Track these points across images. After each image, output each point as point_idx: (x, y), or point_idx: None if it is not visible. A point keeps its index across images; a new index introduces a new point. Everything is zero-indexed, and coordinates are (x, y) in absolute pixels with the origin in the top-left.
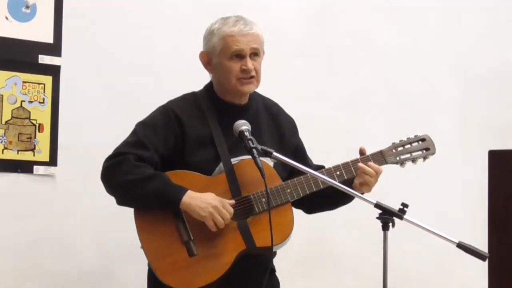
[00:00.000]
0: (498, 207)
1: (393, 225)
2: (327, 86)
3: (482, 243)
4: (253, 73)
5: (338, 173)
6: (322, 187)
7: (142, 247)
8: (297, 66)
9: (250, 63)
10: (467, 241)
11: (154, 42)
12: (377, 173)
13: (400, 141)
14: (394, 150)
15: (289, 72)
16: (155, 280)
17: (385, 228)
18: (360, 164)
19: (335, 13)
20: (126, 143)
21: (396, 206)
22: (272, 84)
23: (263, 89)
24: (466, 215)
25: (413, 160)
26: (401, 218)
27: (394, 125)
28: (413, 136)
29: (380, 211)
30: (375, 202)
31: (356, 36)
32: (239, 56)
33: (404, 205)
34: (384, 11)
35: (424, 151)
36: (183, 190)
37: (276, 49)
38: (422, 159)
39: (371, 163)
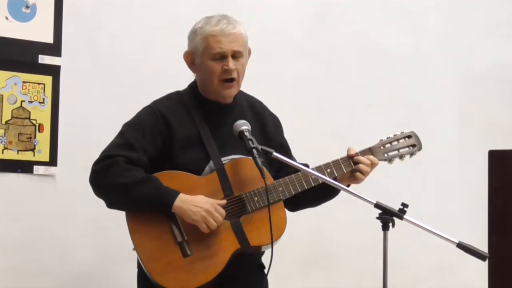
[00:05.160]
0: (498, 207)
1: (393, 225)
2: (327, 86)
3: (482, 243)
4: (234, 75)
5: (328, 170)
6: (313, 184)
7: (135, 248)
8: (297, 66)
9: (231, 63)
10: (467, 241)
11: (154, 42)
12: (373, 165)
13: (387, 138)
14: (382, 147)
15: (289, 72)
16: (147, 282)
17: (385, 228)
18: (360, 157)
19: (335, 13)
20: (114, 145)
21: (396, 206)
22: (272, 84)
23: (263, 89)
24: (466, 215)
25: (401, 157)
26: (401, 218)
27: (393, 125)
28: (399, 133)
29: (380, 211)
30: (375, 202)
31: (356, 36)
32: (221, 56)
33: (404, 205)
34: (384, 11)
35: (411, 148)
36: (174, 194)
37: (276, 49)
38: (409, 155)
39: (369, 156)
